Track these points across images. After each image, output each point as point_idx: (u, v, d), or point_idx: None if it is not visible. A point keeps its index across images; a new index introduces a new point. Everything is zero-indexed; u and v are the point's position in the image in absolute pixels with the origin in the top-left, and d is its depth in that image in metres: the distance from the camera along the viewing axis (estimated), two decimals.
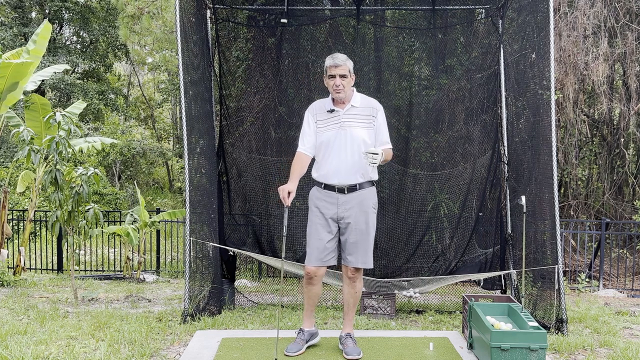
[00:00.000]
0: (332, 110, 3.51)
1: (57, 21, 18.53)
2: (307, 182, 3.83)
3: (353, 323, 3.79)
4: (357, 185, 3.49)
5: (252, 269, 7.05)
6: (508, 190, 5.25)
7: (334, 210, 3.48)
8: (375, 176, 3.58)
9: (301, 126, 3.61)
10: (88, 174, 5.38)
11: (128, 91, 23.07)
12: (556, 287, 4.23)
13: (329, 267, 4.00)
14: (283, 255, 3.54)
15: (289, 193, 3.32)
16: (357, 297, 3.65)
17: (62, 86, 16.66)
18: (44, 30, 6.79)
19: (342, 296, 3.70)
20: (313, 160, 3.61)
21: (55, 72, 8.55)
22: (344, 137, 3.46)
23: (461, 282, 5.57)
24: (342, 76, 3.43)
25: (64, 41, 19.25)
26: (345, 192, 3.47)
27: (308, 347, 3.60)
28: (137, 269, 7.70)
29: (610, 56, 8.56)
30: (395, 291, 5.05)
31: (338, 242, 3.56)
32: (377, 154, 3.31)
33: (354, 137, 3.45)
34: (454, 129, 5.50)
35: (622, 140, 9.40)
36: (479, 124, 5.42)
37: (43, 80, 10.60)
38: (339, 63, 3.42)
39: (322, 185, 3.52)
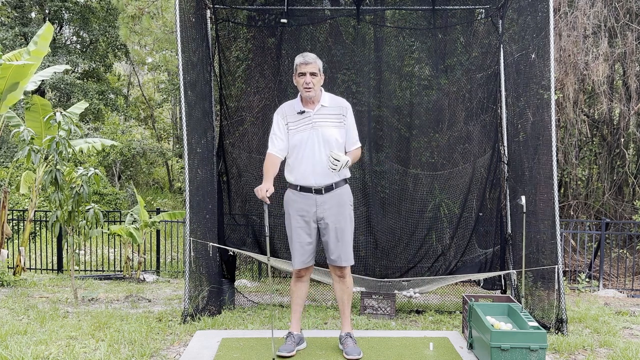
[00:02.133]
0: (302, 112, 3.50)
1: (57, 21, 18.52)
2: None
3: (352, 322, 3.78)
4: (334, 185, 3.50)
5: (252, 269, 7.05)
6: (508, 190, 5.25)
7: (313, 211, 3.49)
8: (348, 174, 3.60)
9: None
10: (89, 175, 5.38)
11: (128, 91, 23.08)
12: (556, 287, 4.23)
13: (325, 266, 4.00)
14: (268, 254, 3.55)
15: (267, 192, 3.31)
16: (349, 293, 3.64)
17: (62, 86, 16.66)
18: (45, 32, 6.76)
19: (335, 294, 3.71)
20: (283, 163, 3.61)
21: (55, 72, 8.55)
22: (317, 137, 3.45)
23: (461, 282, 5.57)
24: (312, 74, 3.42)
25: (64, 41, 19.25)
26: (323, 193, 3.48)
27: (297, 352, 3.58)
28: (137, 269, 7.70)
29: (610, 56, 8.56)
30: (395, 291, 5.05)
31: (317, 241, 3.57)
32: (338, 160, 3.31)
33: (327, 136, 3.45)
34: (454, 129, 5.50)
35: (622, 140, 9.40)
36: (479, 124, 5.42)
37: (43, 80, 10.60)
38: (309, 61, 3.42)
39: (298, 188, 3.52)
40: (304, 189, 3.50)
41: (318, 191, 3.48)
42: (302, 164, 3.48)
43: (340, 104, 3.57)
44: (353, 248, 3.62)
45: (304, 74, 3.43)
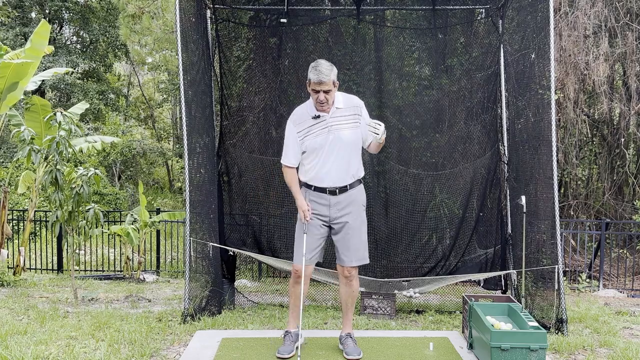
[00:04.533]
0: (317, 116, 3.46)
1: (57, 21, 18.52)
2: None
3: (352, 323, 3.78)
4: (348, 186, 3.50)
5: (252, 269, 7.05)
6: (508, 190, 5.25)
7: (326, 211, 3.49)
8: (362, 173, 3.59)
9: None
10: (89, 175, 5.37)
11: (128, 91, 23.08)
12: (556, 287, 4.23)
13: (326, 267, 3.98)
14: (303, 266, 3.52)
15: (307, 210, 3.40)
16: (354, 296, 3.64)
17: (62, 86, 16.67)
18: (40, 29, 6.67)
19: (340, 296, 3.70)
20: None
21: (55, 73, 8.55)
22: (333, 141, 3.43)
23: (461, 282, 5.56)
24: (326, 92, 3.36)
25: (64, 41, 19.25)
26: (337, 194, 3.48)
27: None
28: (137, 269, 7.70)
29: (610, 56, 8.55)
30: (395, 291, 5.05)
31: (326, 241, 3.57)
32: (380, 125, 3.33)
33: (343, 139, 3.43)
34: (454, 129, 5.50)
35: (622, 140, 9.40)
36: (479, 123, 5.42)
37: (43, 80, 10.60)
38: (324, 79, 3.30)
39: (312, 188, 3.52)
40: (318, 189, 3.50)
41: (332, 192, 3.48)
42: (318, 167, 3.47)
43: (354, 104, 3.53)
44: None
45: (317, 92, 3.37)
